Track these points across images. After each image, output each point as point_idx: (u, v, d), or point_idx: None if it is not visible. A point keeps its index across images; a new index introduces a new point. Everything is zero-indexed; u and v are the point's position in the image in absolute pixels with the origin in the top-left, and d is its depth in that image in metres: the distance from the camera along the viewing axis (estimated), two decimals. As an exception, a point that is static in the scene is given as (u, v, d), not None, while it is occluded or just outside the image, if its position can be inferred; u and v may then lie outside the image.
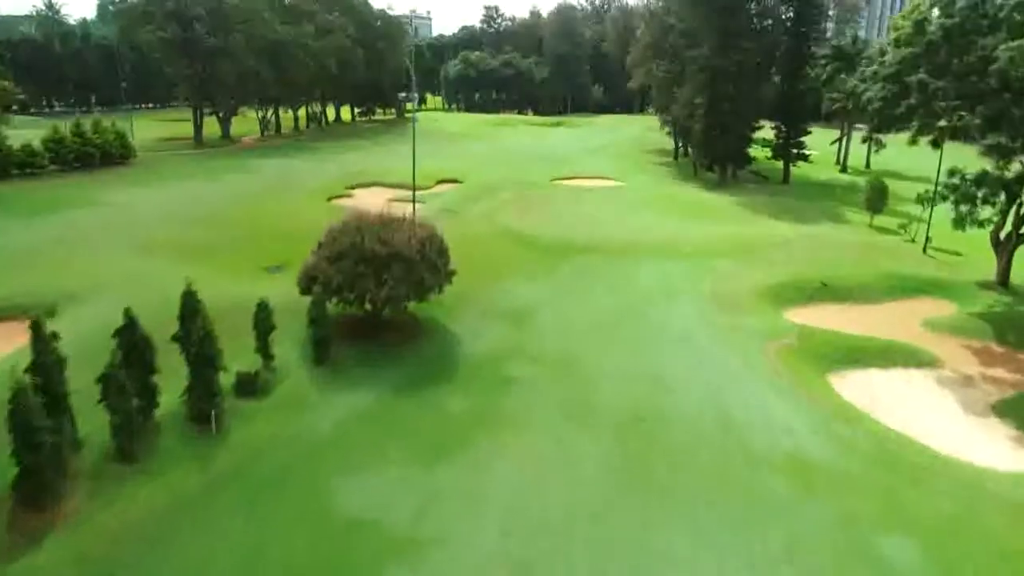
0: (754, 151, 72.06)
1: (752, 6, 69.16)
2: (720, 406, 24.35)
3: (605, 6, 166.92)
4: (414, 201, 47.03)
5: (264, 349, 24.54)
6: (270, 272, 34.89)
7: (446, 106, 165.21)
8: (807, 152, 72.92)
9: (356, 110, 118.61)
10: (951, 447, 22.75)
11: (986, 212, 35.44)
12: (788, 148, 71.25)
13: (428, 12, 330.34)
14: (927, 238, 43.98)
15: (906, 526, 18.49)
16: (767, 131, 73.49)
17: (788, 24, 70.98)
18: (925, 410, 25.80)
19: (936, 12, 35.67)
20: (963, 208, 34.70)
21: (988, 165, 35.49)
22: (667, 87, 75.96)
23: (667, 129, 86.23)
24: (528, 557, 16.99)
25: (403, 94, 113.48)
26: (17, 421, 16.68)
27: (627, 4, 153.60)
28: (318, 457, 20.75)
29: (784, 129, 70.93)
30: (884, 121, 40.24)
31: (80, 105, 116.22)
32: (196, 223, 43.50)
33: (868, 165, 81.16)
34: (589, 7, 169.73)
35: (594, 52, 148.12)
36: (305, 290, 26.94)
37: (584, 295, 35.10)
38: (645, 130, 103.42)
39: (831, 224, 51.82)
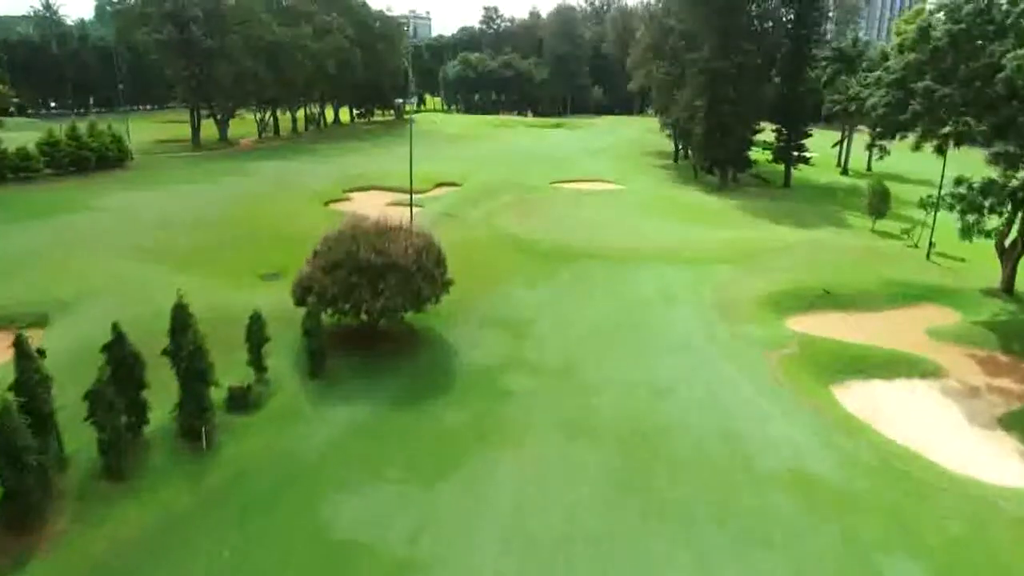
0: (755, 154, 71.71)
1: (752, 8, 68.66)
2: (722, 420, 23.91)
3: (605, 7, 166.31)
4: (411, 206, 46.60)
5: (257, 362, 24.10)
6: (265, 279, 34.47)
7: (445, 107, 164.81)
8: (808, 155, 72.55)
9: (355, 111, 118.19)
10: (957, 462, 22.27)
11: (993, 222, 34.98)
12: (789, 151, 70.88)
13: (427, 13, 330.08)
14: (930, 243, 43.47)
15: (912, 547, 18.05)
16: (768, 133, 73.10)
17: (788, 26, 70.47)
18: (930, 422, 25.34)
19: (942, 17, 35.15)
20: (970, 218, 34.20)
21: (994, 173, 35.05)
22: (667, 89, 75.52)
23: (667, 131, 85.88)
24: (526, 580, 16.57)
25: (400, 100, 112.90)
26: (1, 442, 16.23)
27: (627, 5, 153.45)
28: (311, 474, 20.32)
29: (785, 131, 70.55)
30: (888, 127, 39.62)
31: (78, 106, 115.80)
32: (192, 228, 43.04)
33: (870, 168, 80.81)
34: (589, 8, 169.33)
35: (594, 53, 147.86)
36: (300, 301, 26.49)
37: (584, 302, 34.68)
38: (645, 132, 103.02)
39: (833, 229, 51.40)
